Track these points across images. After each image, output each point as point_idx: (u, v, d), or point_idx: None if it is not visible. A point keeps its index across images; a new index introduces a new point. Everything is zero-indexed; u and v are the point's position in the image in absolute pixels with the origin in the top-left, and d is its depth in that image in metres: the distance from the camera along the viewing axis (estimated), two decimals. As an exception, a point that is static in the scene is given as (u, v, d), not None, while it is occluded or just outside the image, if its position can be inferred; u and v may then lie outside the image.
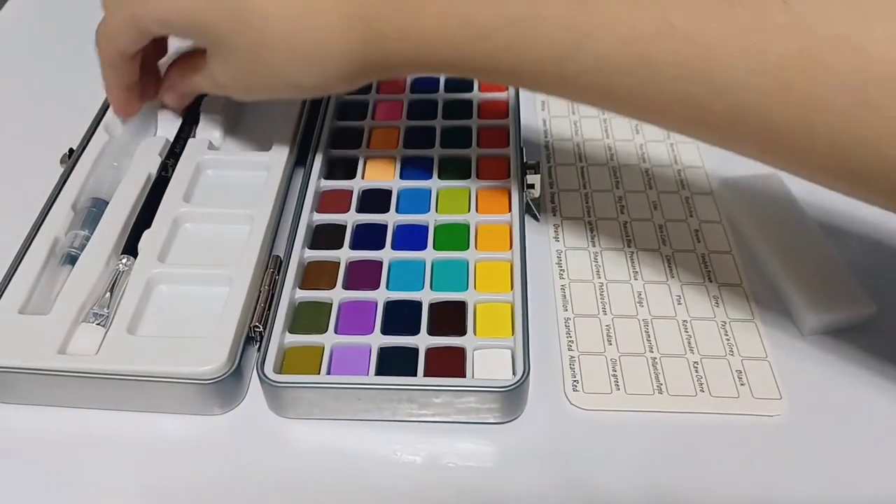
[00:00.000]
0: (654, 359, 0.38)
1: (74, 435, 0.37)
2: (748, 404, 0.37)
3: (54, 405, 0.37)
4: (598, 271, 0.43)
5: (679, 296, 0.41)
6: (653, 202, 0.47)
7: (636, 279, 0.42)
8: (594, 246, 0.44)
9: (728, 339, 0.39)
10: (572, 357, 0.39)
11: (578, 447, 0.36)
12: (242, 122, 0.50)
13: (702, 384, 0.37)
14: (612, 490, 0.34)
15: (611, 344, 0.39)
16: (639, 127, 0.52)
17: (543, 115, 0.53)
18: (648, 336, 0.39)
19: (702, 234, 0.45)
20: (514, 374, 0.36)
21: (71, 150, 0.46)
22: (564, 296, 0.42)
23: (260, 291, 0.39)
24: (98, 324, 0.38)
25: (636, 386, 0.37)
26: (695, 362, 0.38)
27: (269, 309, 0.38)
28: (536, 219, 0.45)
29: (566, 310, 0.41)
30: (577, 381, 0.38)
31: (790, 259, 0.42)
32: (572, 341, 0.39)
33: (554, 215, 0.46)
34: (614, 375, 0.38)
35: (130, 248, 0.41)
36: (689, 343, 0.39)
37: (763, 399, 0.37)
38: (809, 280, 0.40)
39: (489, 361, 0.37)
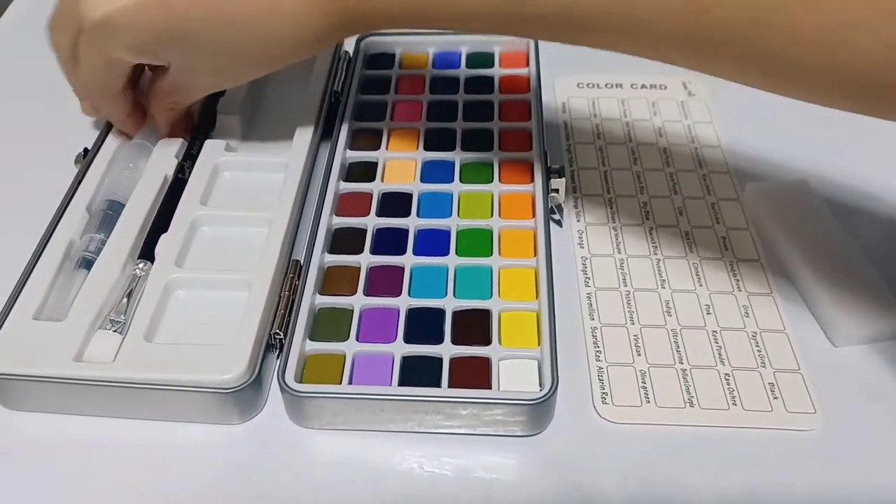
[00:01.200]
0: (685, 370, 0.38)
1: (90, 443, 0.36)
2: (782, 418, 0.36)
3: (70, 413, 0.36)
4: (624, 279, 0.42)
5: (708, 305, 0.40)
6: (678, 208, 0.46)
7: (664, 287, 0.41)
8: (620, 252, 0.43)
9: (759, 351, 0.38)
10: (600, 368, 0.38)
11: (608, 461, 0.35)
12: (260, 123, 0.49)
13: (734, 397, 0.36)
14: (643, 505, 0.33)
15: (639, 355, 0.38)
16: (661, 130, 0.51)
17: (565, 117, 0.52)
18: (678, 347, 0.39)
19: (729, 241, 0.44)
20: (541, 386, 0.35)
21: (85, 150, 0.45)
22: (591, 304, 0.41)
23: (280, 297, 0.38)
24: (115, 330, 0.37)
25: (666, 398, 0.36)
26: (726, 374, 0.37)
27: (289, 315, 0.37)
28: (560, 224, 0.44)
29: (593, 319, 0.40)
30: (605, 394, 0.37)
31: (821, 267, 0.40)
32: (600, 351, 0.39)
33: (578, 220, 0.45)
34: (644, 387, 0.37)
35: (147, 252, 0.40)
36: (720, 354, 0.38)
37: (797, 413, 0.36)
38: (841, 289, 0.39)
39: (515, 372, 0.36)
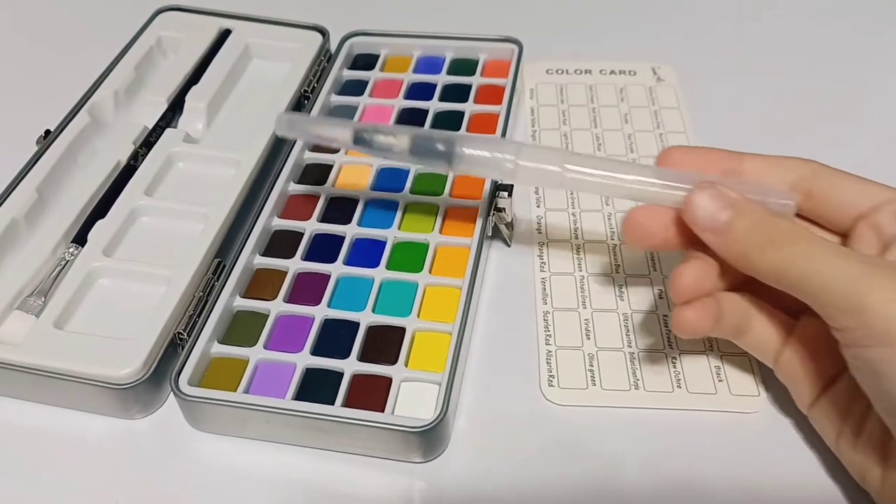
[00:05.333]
0: (632, 354, 0.37)
1: (-7, 423, 0.36)
2: (725, 401, 0.36)
3: (-21, 391, 0.37)
4: (579, 264, 0.41)
5: (661, 290, 0.40)
6: None
7: (618, 272, 0.41)
8: (577, 238, 0.43)
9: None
10: (549, 352, 0.38)
11: (553, 443, 0.35)
12: (227, 116, 0.49)
13: (679, 380, 0.36)
14: (585, 485, 0.33)
15: (589, 338, 0.38)
16: (628, 116, 0.50)
17: (532, 103, 0.51)
18: (627, 331, 0.38)
19: None
20: (435, 413, 0.33)
21: (47, 132, 0.45)
22: (544, 289, 0.40)
23: (193, 296, 0.38)
24: (32, 312, 0.37)
25: (613, 381, 0.36)
26: (673, 358, 0.37)
27: (198, 316, 0.37)
28: (507, 244, 0.43)
29: (546, 303, 0.40)
30: (552, 377, 0.37)
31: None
32: (550, 335, 0.38)
33: (538, 206, 0.44)
34: (591, 370, 0.37)
35: (80, 237, 0.40)
36: (669, 338, 0.38)
37: (741, 396, 0.36)
38: None
39: (414, 396, 0.35)
